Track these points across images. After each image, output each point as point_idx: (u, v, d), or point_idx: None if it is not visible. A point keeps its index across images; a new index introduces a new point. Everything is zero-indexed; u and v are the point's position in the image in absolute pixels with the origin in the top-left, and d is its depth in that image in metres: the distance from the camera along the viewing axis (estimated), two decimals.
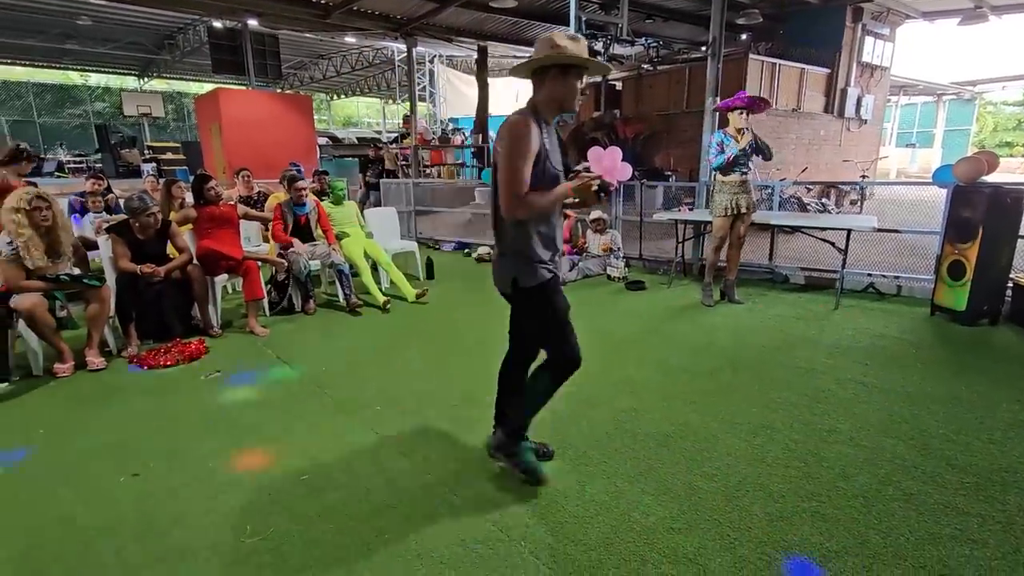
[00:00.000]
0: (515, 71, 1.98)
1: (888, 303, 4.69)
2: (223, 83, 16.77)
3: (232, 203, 4.98)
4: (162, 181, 5.84)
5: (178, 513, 2.04)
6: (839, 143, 11.19)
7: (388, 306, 4.69)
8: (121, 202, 6.08)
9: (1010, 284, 4.07)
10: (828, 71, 10.54)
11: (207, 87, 18.48)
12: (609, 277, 5.79)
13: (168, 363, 3.49)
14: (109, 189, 6.39)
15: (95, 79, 22.91)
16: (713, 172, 4.64)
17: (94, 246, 4.39)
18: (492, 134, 15.83)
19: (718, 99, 4.66)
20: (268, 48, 12.66)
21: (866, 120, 11.58)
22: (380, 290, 4.91)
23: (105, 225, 4.34)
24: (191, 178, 4.87)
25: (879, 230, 4.84)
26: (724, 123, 4.81)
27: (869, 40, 10.87)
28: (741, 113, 4.44)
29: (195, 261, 4.07)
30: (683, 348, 3.69)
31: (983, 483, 2.11)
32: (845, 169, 11.02)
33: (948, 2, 10.16)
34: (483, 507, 2.03)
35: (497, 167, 1.89)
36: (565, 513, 1.98)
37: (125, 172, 16.09)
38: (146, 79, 20.90)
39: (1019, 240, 4.03)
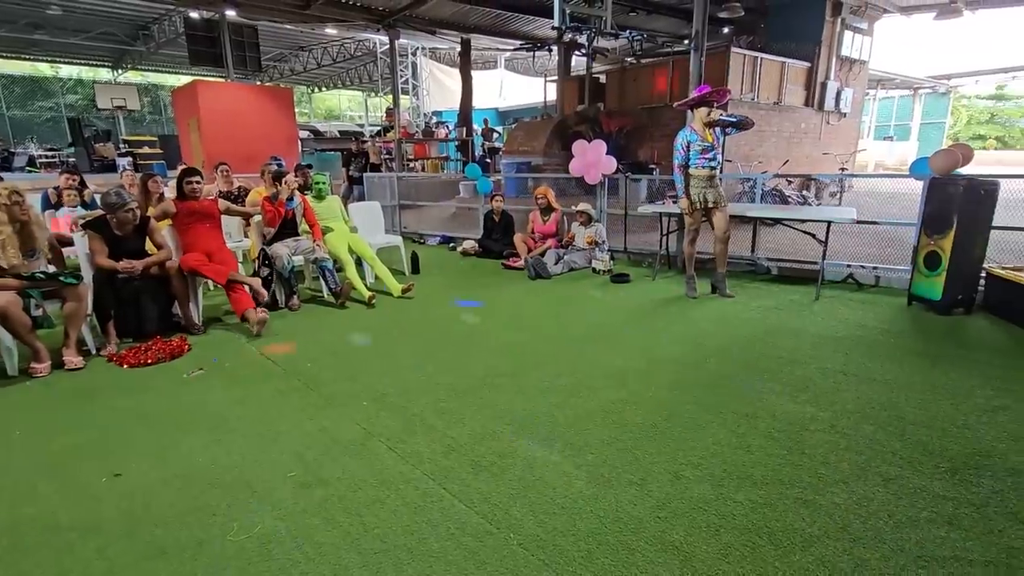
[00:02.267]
0: None
1: (867, 293, 4.79)
2: (201, 75, 16.44)
3: (212, 198, 4.90)
4: (138, 176, 5.72)
5: (162, 512, 2.01)
6: (819, 136, 11.35)
7: (373, 301, 4.66)
8: (97, 197, 5.94)
9: (983, 274, 4.18)
10: (808, 65, 10.67)
11: (184, 79, 18.10)
12: (594, 270, 5.82)
13: (149, 361, 3.43)
14: (84, 184, 6.23)
15: (66, 71, 22.32)
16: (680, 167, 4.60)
17: (69, 243, 4.29)
18: (476, 127, 15.76)
19: (692, 94, 4.67)
20: (247, 39, 12.42)
21: (845, 113, 11.76)
22: (365, 285, 4.88)
23: (81, 221, 4.24)
24: (168, 173, 4.77)
25: (858, 222, 4.93)
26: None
27: (848, 34, 11.01)
28: (709, 107, 4.46)
29: (173, 258, 4.00)
30: (669, 339, 3.73)
31: (958, 467, 2.17)
32: (825, 162, 11.18)
33: None
34: (471, 500, 2.03)
35: None
36: (554, 505, 2.00)
37: (100, 167, 15.69)
38: (120, 71, 20.39)
39: (992, 231, 4.13)
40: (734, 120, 4.43)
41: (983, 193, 3.97)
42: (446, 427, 2.58)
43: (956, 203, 3.97)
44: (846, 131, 12.17)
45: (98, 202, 5.80)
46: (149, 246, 4.01)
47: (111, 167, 14.85)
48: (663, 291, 5.04)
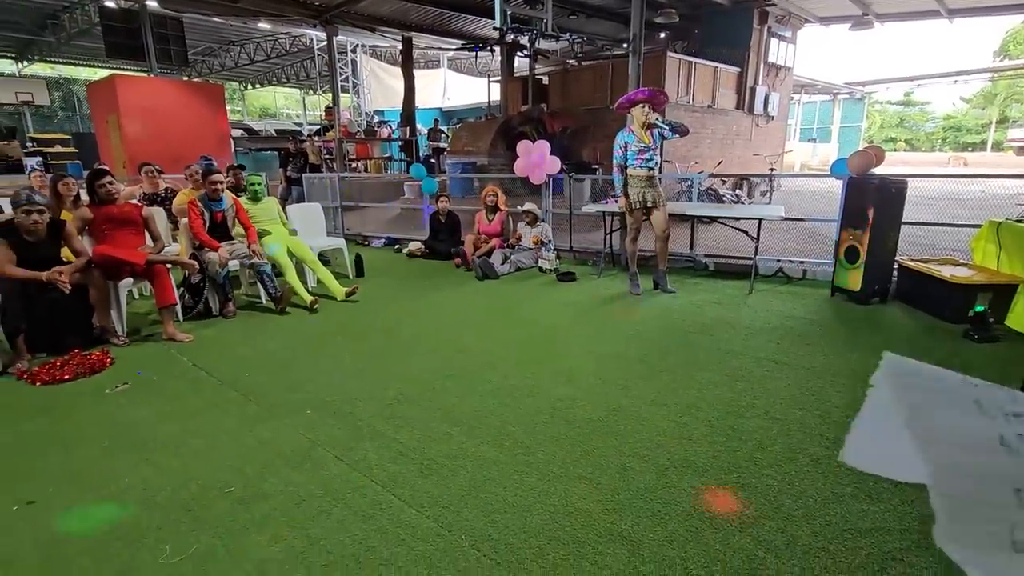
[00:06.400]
0: None
1: (795, 286, 5.08)
2: (120, 69, 15.38)
3: (135, 201, 4.59)
4: (48, 177, 5.28)
5: (83, 539, 1.86)
6: (750, 138, 11.96)
7: (316, 306, 4.51)
8: (1, 202, 5.44)
9: (896, 266, 4.53)
10: (739, 70, 11.22)
11: (101, 73, 16.89)
12: (541, 269, 5.88)
13: (65, 377, 3.17)
14: None
15: None
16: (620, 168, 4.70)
17: None
18: (421, 127, 15.57)
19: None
20: (171, 32, 11.71)
21: (773, 116, 12.45)
22: (307, 289, 4.71)
23: None
24: (84, 174, 4.44)
25: (786, 219, 5.24)
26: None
27: (774, 42, 11.67)
28: (643, 107, 4.58)
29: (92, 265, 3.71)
30: (614, 336, 3.82)
31: None
32: (755, 162, 11.80)
33: (840, 8, 11.10)
34: (422, 504, 2.01)
35: None
36: (504, 503, 2.00)
37: (4, 167, 14.39)
38: (25, 63, 18.75)
39: (903, 226, 4.49)
40: (667, 126, 4.55)
41: (894, 191, 4.31)
42: (394, 432, 2.53)
43: (871, 200, 4.28)
44: (774, 133, 12.89)
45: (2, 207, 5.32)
46: (65, 253, 3.71)
47: (17, 168, 13.64)
48: (608, 288, 5.16)
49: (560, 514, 1.94)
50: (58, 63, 19.93)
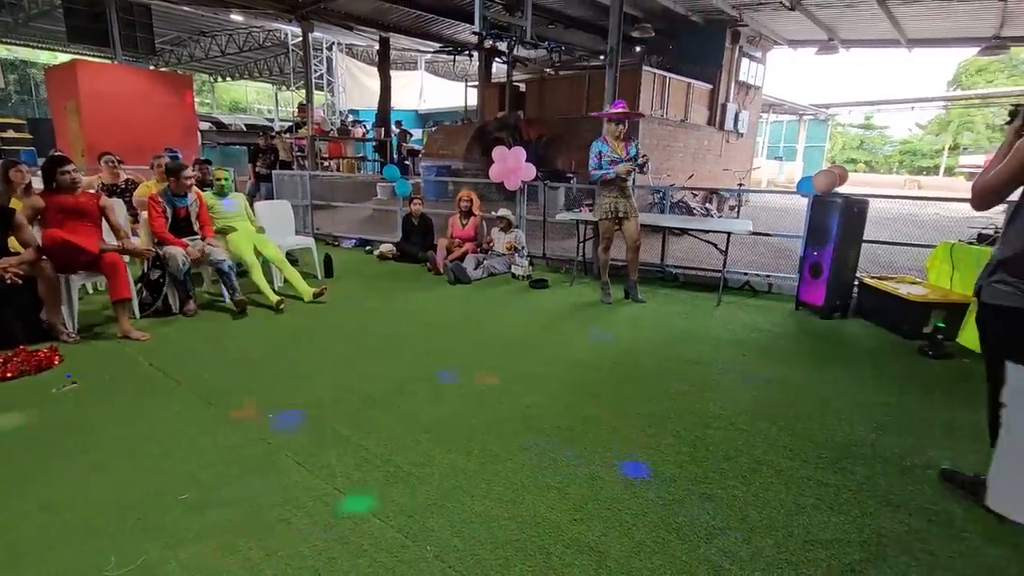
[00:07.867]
0: None
1: (761, 299, 5.21)
2: (82, 54, 14.76)
3: (94, 191, 4.39)
4: None
5: (21, 549, 1.74)
6: (720, 153, 12.25)
7: (282, 306, 4.39)
8: None
9: (856, 282, 4.69)
10: (711, 87, 11.50)
11: (63, 57, 16.19)
12: (514, 275, 5.87)
13: (8, 375, 2.99)
14: None
15: None
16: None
17: None
18: (395, 128, 15.38)
19: (607, 107, 4.91)
20: (138, 19, 11.30)
21: (742, 133, 12.79)
22: (273, 289, 4.58)
23: None
24: (39, 161, 4.22)
25: (754, 233, 5.36)
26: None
27: (745, 61, 12.01)
28: (614, 123, 4.72)
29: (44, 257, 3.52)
30: (585, 344, 3.83)
31: (838, 456, 2.40)
32: (725, 177, 12.08)
33: (808, 33, 11.50)
34: (387, 514, 1.95)
35: None
36: (471, 513, 1.97)
37: None
38: None
39: (863, 244, 4.65)
40: (635, 156, 4.72)
41: (856, 210, 4.46)
42: (359, 438, 2.47)
43: (834, 218, 4.42)
44: (743, 150, 13.24)
45: None
46: (13, 244, 3.51)
47: None
48: (580, 296, 5.18)
49: (528, 524, 1.92)
50: (15, 45, 18.99)
